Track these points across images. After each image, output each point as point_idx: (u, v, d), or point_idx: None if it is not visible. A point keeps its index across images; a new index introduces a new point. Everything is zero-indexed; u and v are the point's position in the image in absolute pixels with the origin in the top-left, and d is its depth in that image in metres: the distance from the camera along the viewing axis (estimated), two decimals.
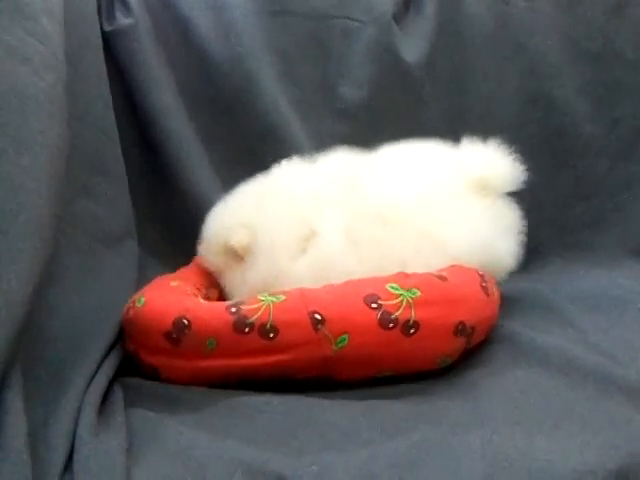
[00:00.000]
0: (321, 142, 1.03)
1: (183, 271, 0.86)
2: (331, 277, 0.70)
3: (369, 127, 1.04)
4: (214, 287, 0.84)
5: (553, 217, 1.07)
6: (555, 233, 1.07)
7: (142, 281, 0.87)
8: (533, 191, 1.00)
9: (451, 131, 1.06)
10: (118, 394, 0.59)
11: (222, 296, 0.83)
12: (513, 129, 1.06)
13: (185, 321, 0.62)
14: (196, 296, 0.76)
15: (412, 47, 1.03)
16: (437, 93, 1.05)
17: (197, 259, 0.88)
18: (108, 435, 0.51)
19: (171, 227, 1.01)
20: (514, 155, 0.83)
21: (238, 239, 0.79)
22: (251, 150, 1.02)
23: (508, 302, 0.81)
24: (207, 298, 0.80)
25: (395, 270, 0.69)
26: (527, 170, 0.99)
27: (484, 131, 1.06)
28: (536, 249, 0.98)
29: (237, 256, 0.80)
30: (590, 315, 0.82)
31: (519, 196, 0.87)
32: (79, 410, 0.53)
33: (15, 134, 0.57)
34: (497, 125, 1.06)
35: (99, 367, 0.62)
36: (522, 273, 0.88)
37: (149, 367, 0.66)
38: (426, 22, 1.03)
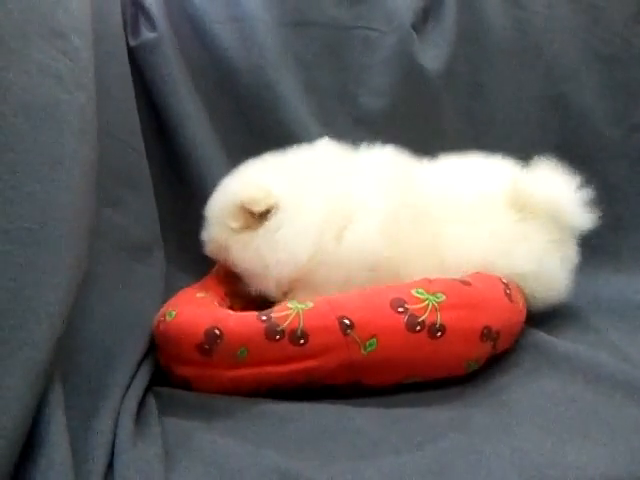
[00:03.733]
0: None
1: (207, 281, 0.87)
2: (361, 265, 0.75)
3: (390, 136, 1.04)
4: (239, 296, 0.85)
5: None
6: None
7: (166, 289, 0.89)
8: None
9: (471, 138, 1.08)
10: (152, 403, 0.61)
11: (247, 305, 0.84)
12: (532, 134, 1.07)
13: (217, 331, 0.63)
14: (222, 307, 0.77)
15: (432, 55, 1.03)
16: (457, 100, 1.06)
17: (218, 267, 0.90)
18: (145, 444, 0.52)
19: (194, 236, 1.02)
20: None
21: (264, 197, 0.77)
22: None
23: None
24: (232, 308, 0.81)
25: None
26: None
27: (503, 137, 1.08)
28: None
29: (251, 220, 0.78)
30: (613, 321, 0.83)
31: None
32: (117, 420, 0.54)
33: (49, 151, 0.58)
34: (516, 131, 1.07)
35: (134, 376, 0.63)
36: None
37: (180, 379, 0.67)
38: (445, 30, 1.04)
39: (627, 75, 1.06)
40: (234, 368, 0.64)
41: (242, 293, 0.85)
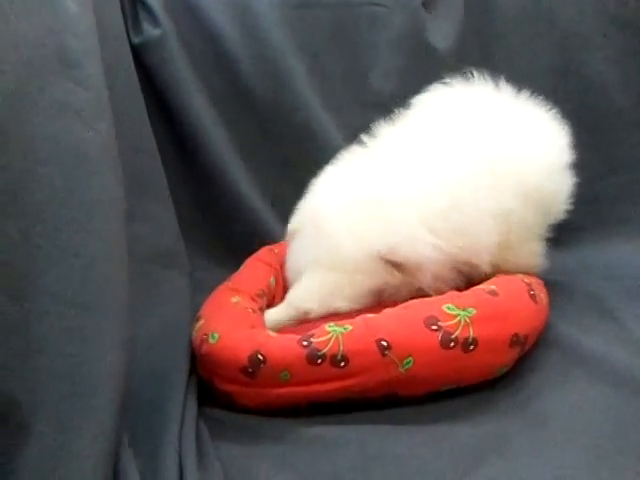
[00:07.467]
0: (354, 135, 1.04)
1: (236, 279, 0.89)
2: None
3: None
4: (265, 295, 0.88)
5: (586, 192, 1.06)
6: (589, 208, 1.06)
7: (195, 285, 0.91)
8: None
9: None
10: (205, 432, 0.64)
11: (270, 304, 0.87)
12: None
13: (260, 356, 0.66)
14: (255, 312, 0.80)
15: (441, 31, 1.01)
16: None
17: (248, 262, 0.92)
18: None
19: (216, 228, 1.03)
20: None
21: None
22: (284, 147, 1.03)
23: (547, 289, 0.82)
24: (261, 309, 0.84)
25: None
26: None
27: None
28: (570, 225, 1.00)
29: None
30: (628, 301, 0.85)
31: None
32: (180, 454, 0.58)
33: (81, 199, 0.57)
34: None
35: (185, 402, 0.66)
36: (557, 250, 0.91)
37: (223, 393, 0.71)
38: (454, 3, 1.00)
39: None
40: (277, 387, 0.67)
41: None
